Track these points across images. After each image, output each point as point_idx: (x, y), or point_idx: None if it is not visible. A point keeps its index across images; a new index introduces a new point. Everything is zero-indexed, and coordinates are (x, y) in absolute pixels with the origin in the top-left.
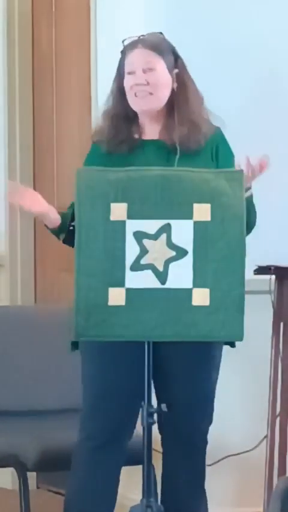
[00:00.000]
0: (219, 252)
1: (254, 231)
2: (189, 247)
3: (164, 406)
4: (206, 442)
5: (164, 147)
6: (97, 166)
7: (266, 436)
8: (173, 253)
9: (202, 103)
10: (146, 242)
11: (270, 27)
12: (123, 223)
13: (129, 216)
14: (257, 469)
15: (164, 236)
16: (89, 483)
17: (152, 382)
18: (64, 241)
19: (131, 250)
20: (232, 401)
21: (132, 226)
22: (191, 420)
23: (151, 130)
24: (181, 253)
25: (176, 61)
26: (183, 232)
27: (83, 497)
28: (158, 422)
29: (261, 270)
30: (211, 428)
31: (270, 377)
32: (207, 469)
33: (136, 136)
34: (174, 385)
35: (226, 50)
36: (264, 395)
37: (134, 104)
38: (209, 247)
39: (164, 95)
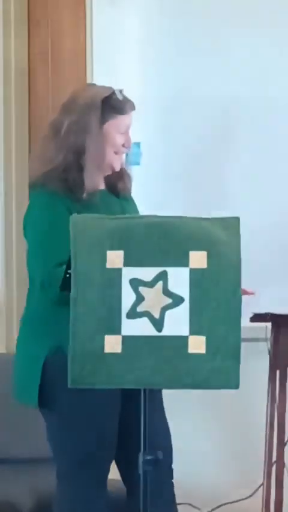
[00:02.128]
0: (216, 299)
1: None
2: (186, 295)
3: (160, 453)
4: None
5: (110, 195)
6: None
7: (262, 484)
8: (169, 300)
9: None
10: (142, 289)
11: (269, 64)
12: (119, 270)
13: (126, 264)
14: None
15: (160, 283)
16: None
17: (145, 428)
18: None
19: (127, 297)
20: (228, 449)
21: (129, 273)
22: (165, 458)
23: (96, 182)
24: (177, 300)
25: None
26: (179, 279)
27: None
28: (123, 469)
29: (257, 318)
30: (207, 475)
31: (266, 424)
32: None
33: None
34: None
35: (223, 86)
36: (260, 443)
37: (115, 161)
38: (205, 294)
39: None
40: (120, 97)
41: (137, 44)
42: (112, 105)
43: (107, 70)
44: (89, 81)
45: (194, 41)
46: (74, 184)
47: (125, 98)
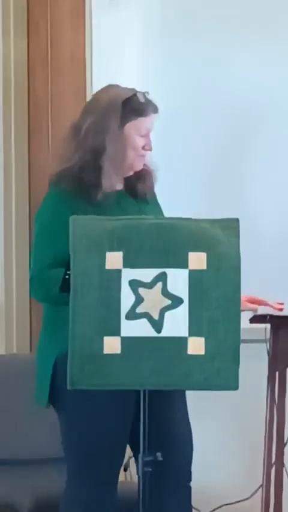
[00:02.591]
0: (215, 300)
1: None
2: (185, 296)
3: (159, 455)
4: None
5: (127, 196)
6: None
7: (261, 485)
8: (169, 301)
9: None
10: (142, 291)
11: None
12: (118, 271)
13: (125, 265)
14: None
15: (159, 285)
16: None
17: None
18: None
19: (127, 298)
20: (227, 450)
21: (128, 274)
22: (184, 461)
23: (114, 182)
24: (176, 301)
25: None
26: (178, 281)
27: None
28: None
29: (256, 319)
30: (207, 477)
31: (265, 426)
32: None
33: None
34: (160, 427)
35: (226, 90)
36: (259, 444)
37: (136, 163)
38: (204, 296)
39: None
40: (142, 99)
41: (137, 45)
42: (133, 107)
43: (106, 71)
44: (88, 82)
45: (195, 43)
46: (89, 184)
47: (147, 100)
